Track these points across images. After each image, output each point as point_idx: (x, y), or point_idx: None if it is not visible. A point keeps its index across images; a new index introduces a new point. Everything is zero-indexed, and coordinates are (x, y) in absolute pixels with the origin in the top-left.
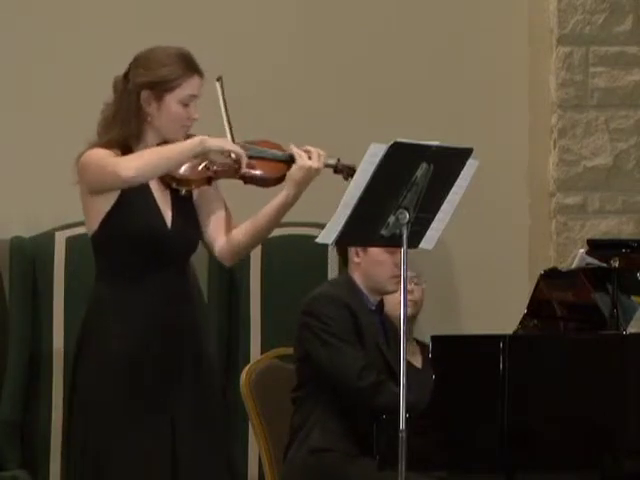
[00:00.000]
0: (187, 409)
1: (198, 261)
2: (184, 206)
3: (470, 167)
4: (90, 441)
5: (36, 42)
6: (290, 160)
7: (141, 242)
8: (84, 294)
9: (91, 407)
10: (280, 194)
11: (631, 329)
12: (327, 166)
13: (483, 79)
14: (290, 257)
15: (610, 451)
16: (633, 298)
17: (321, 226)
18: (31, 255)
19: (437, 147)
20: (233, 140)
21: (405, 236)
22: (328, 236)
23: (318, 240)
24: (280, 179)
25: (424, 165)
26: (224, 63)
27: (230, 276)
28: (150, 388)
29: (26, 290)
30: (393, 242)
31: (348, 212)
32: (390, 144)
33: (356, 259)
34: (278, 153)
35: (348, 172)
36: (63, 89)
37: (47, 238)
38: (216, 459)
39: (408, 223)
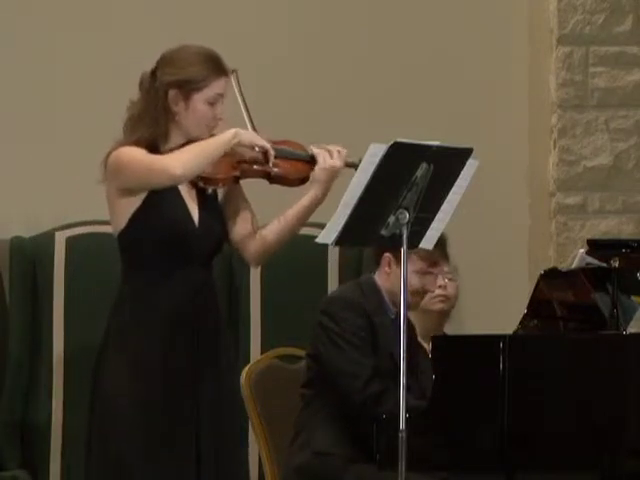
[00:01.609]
0: (209, 404)
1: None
2: (210, 205)
3: (470, 167)
4: (114, 444)
5: (36, 43)
6: (312, 160)
7: (169, 240)
8: (84, 294)
9: (116, 408)
10: (307, 195)
11: (631, 329)
12: (349, 165)
13: (483, 79)
14: (290, 257)
15: (610, 451)
16: (633, 298)
17: (321, 226)
18: (31, 255)
19: (437, 147)
20: (255, 130)
21: (405, 236)
22: (328, 236)
23: (318, 240)
24: (305, 179)
25: (424, 165)
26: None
27: (230, 276)
28: (176, 383)
29: (26, 290)
30: (393, 242)
31: (348, 212)
32: (390, 144)
33: (387, 269)
34: (302, 153)
35: None
36: (63, 90)
37: (47, 238)
38: (237, 453)
39: (408, 223)
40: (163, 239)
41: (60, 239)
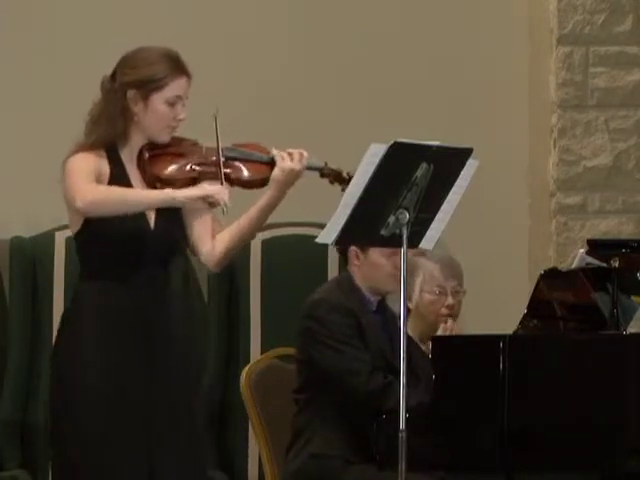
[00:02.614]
0: (163, 409)
1: (198, 261)
2: (170, 207)
3: (470, 167)
4: (70, 448)
5: (35, 43)
6: (272, 162)
7: (123, 243)
8: None
9: (70, 407)
10: (263, 196)
11: (631, 329)
12: (313, 169)
13: (483, 79)
14: (290, 257)
15: (610, 451)
16: (633, 298)
17: (321, 226)
18: (31, 255)
19: (437, 147)
20: (220, 172)
21: (405, 236)
22: (328, 236)
23: (318, 240)
24: (265, 180)
25: (424, 165)
26: (224, 63)
27: (230, 276)
28: (128, 388)
29: (26, 290)
30: (393, 242)
31: (348, 212)
32: (390, 144)
33: (356, 262)
34: (262, 155)
35: (334, 177)
36: (63, 89)
37: (47, 238)
38: (194, 462)
39: (408, 223)
40: (116, 242)
41: (60, 239)
